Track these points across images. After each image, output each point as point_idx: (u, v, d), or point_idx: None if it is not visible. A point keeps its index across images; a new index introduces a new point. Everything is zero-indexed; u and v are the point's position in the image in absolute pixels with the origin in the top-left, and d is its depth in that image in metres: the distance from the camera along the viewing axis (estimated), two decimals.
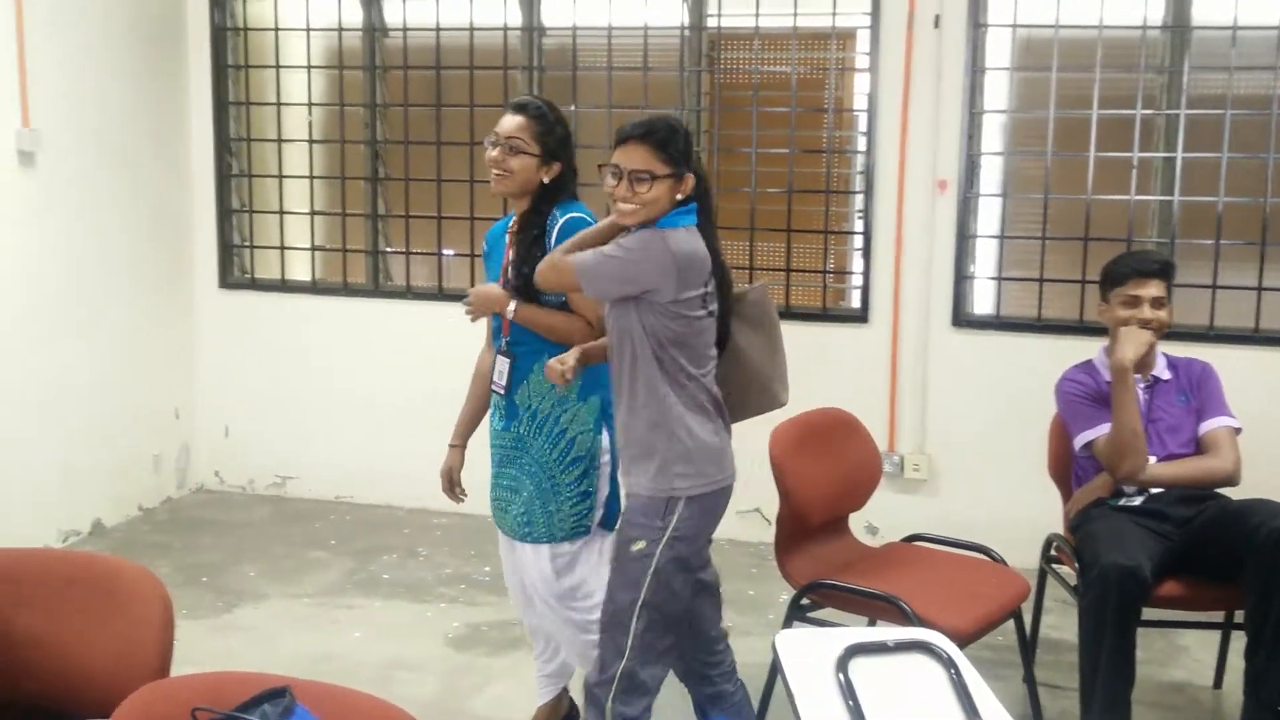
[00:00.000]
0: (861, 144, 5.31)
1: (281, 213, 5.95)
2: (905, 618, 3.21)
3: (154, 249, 5.77)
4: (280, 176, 5.93)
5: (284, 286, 5.98)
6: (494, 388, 3.37)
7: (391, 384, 5.82)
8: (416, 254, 5.84)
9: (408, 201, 5.79)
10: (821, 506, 3.68)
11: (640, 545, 2.92)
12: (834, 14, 5.26)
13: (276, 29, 5.84)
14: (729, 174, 5.51)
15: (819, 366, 5.28)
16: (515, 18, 5.59)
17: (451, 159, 5.70)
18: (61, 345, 5.21)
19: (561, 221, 3.19)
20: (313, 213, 5.95)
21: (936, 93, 5.13)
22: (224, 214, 5.99)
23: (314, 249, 5.99)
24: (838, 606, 3.54)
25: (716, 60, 5.54)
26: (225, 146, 5.96)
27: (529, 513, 3.30)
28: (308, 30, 5.82)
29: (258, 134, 5.96)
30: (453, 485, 3.59)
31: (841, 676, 2.07)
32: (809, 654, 2.16)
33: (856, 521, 4.02)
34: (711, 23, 5.42)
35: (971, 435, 5.24)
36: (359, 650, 4.27)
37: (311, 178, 5.91)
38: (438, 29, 5.65)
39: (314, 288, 5.96)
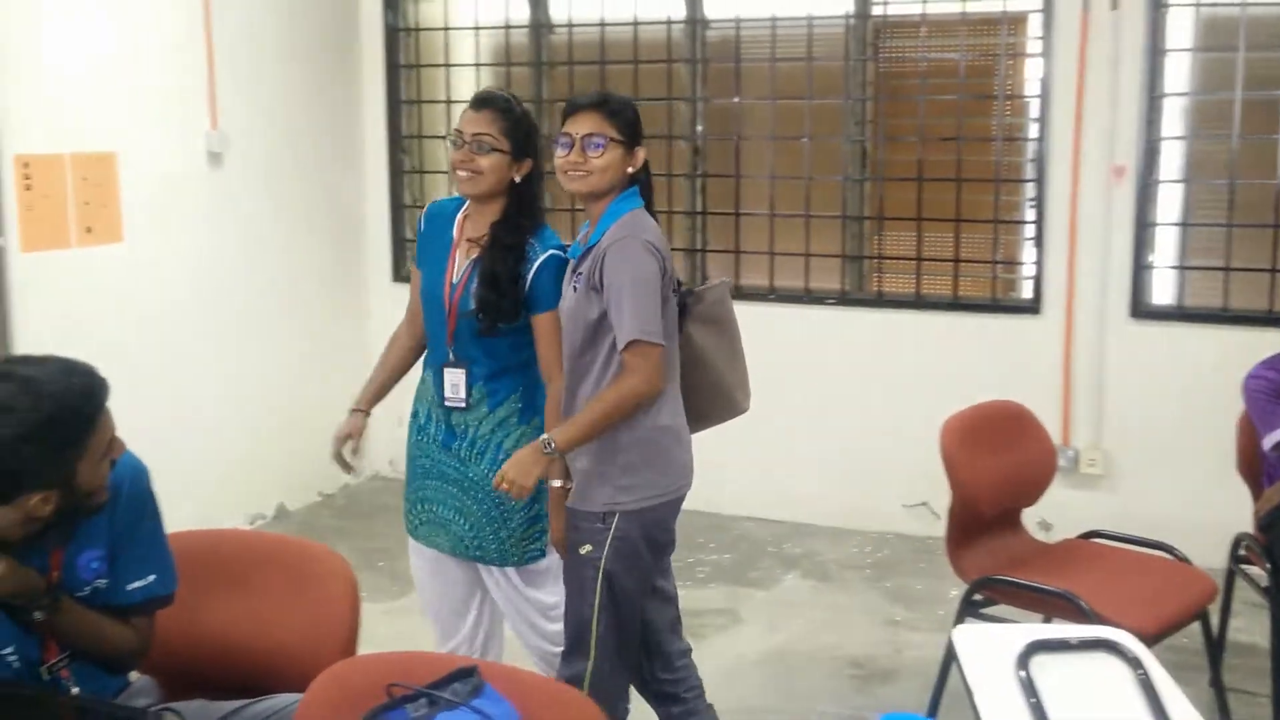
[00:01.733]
0: (1033, 130, 5.18)
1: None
2: (1083, 616, 3.13)
3: (330, 244, 5.98)
4: (449, 173, 6.06)
5: None
6: (449, 403, 3.10)
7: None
8: None
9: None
10: (993, 501, 3.61)
11: (587, 549, 2.88)
12: None
13: (446, 28, 5.99)
14: (894, 163, 5.43)
15: (988, 358, 5.19)
16: (679, 11, 5.61)
17: None
18: (246, 338, 5.44)
19: (540, 261, 2.96)
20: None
21: (1114, 76, 4.97)
22: (396, 210, 6.17)
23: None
24: (1011, 603, 3.47)
25: (881, 48, 5.47)
26: (398, 144, 6.13)
27: (478, 535, 3.13)
28: (476, 28, 5.95)
29: (429, 131, 6.12)
30: (346, 453, 3.31)
31: (1023, 673, 2.03)
32: (988, 650, 2.13)
33: (1029, 517, 3.93)
34: (877, 10, 5.36)
35: (1152, 430, 5.06)
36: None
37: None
38: (602, 24, 5.71)
39: None
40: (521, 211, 3.02)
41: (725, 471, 5.65)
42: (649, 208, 2.94)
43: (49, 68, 4.42)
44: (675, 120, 5.68)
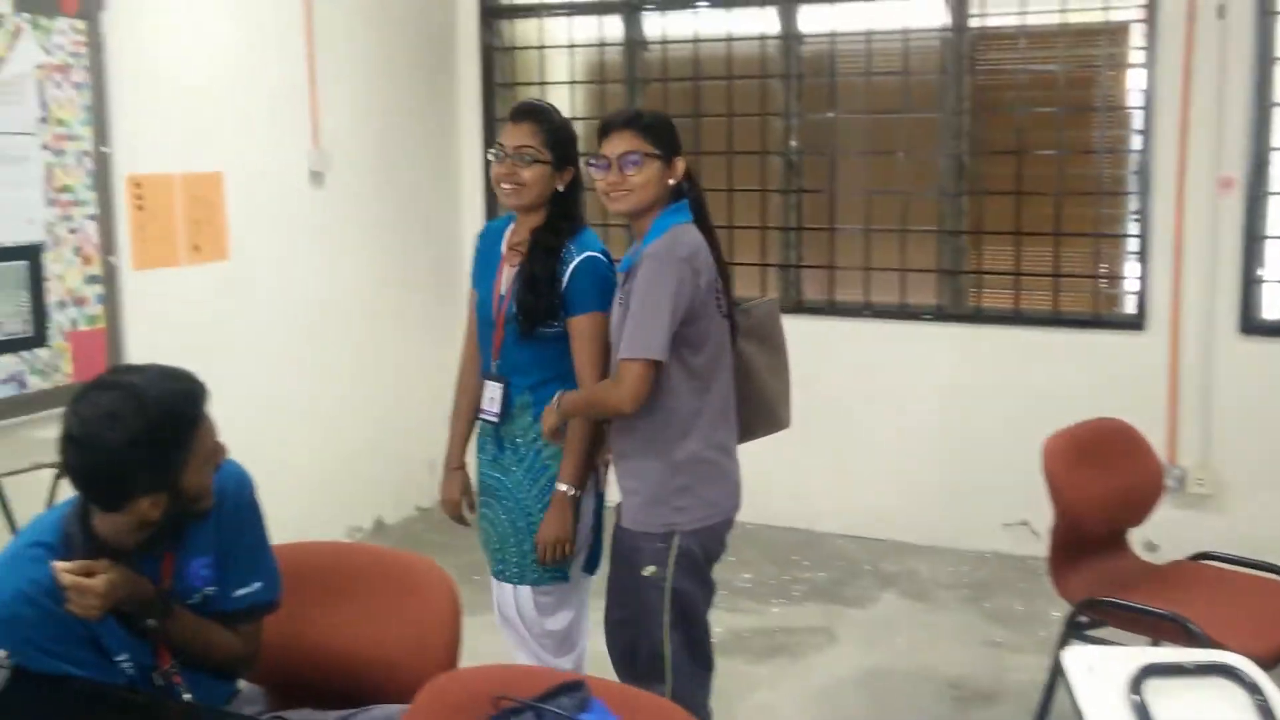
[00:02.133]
0: (1136, 143, 5.08)
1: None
2: (1194, 640, 3.04)
3: (427, 261, 6.06)
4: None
5: None
6: (483, 415, 3.13)
7: None
8: None
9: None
10: (1098, 520, 3.53)
11: (651, 570, 2.86)
12: (1106, 8, 5.05)
13: (541, 47, 6.05)
14: (991, 177, 5.36)
15: (1089, 375, 5.09)
16: (773, 26, 5.60)
17: (709, 169, 5.75)
18: (344, 353, 5.53)
19: (575, 263, 2.94)
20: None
21: (1220, 86, 4.85)
22: None
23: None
24: (1117, 625, 3.39)
25: (978, 61, 5.40)
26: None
27: (503, 549, 3.13)
28: (570, 47, 6.00)
29: None
30: (460, 513, 3.33)
31: (1136, 698, 1.98)
32: (1099, 673, 2.07)
33: (1135, 538, 3.84)
34: (974, 23, 5.29)
35: (1263, 448, 4.92)
36: None
37: None
38: (696, 40, 5.72)
39: None
40: (562, 217, 3.02)
41: (819, 488, 5.63)
42: (702, 219, 2.91)
43: (159, 92, 4.54)
44: (769, 136, 5.67)
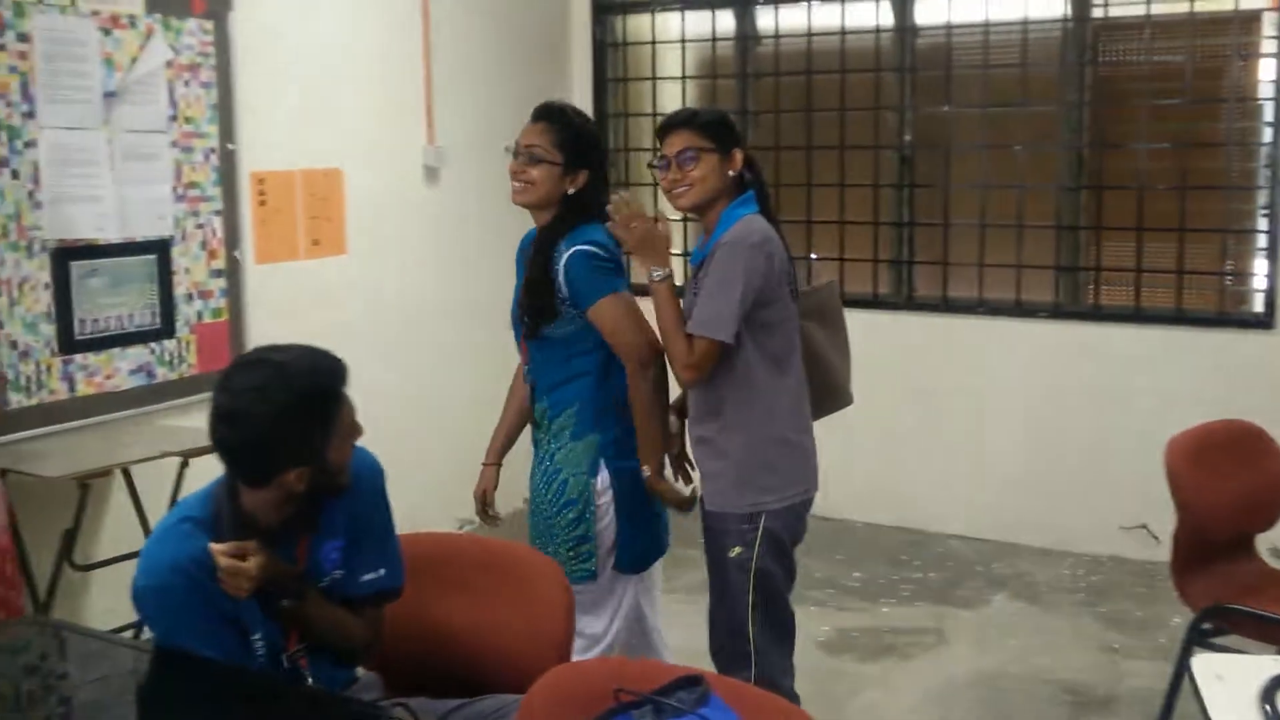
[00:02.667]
0: (1267, 135, 4.91)
1: (657, 220, 6.13)
2: None
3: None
4: (655, 185, 6.12)
5: None
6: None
7: None
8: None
9: (777, 205, 5.82)
10: (1225, 525, 3.43)
11: (737, 551, 2.89)
12: None
13: (654, 42, 6.06)
14: (1112, 171, 5.24)
15: (1216, 374, 4.94)
16: (888, 19, 5.54)
17: (822, 163, 5.71)
18: (455, 346, 5.61)
19: (564, 261, 2.93)
20: (686, 219, 6.12)
21: None
22: (601, 222, 6.24)
23: (686, 255, 6.15)
24: (1243, 633, 3.29)
25: (1100, 51, 5.27)
26: (605, 157, 6.21)
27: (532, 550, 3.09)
28: (683, 41, 6.00)
29: (635, 144, 6.19)
30: (485, 507, 3.34)
31: (1268, 708, 1.92)
32: (1229, 682, 2.02)
33: (1262, 543, 3.72)
34: (1096, 13, 5.17)
35: None
36: None
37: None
38: (809, 34, 5.68)
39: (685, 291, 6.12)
40: (563, 223, 3.00)
41: (929, 488, 5.56)
42: (766, 210, 2.94)
43: (282, 90, 4.65)
44: (882, 130, 5.60)
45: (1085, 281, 5.35)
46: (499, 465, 3.35)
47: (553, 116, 3.04)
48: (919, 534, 5.50)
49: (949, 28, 5.41)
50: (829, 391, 3.23)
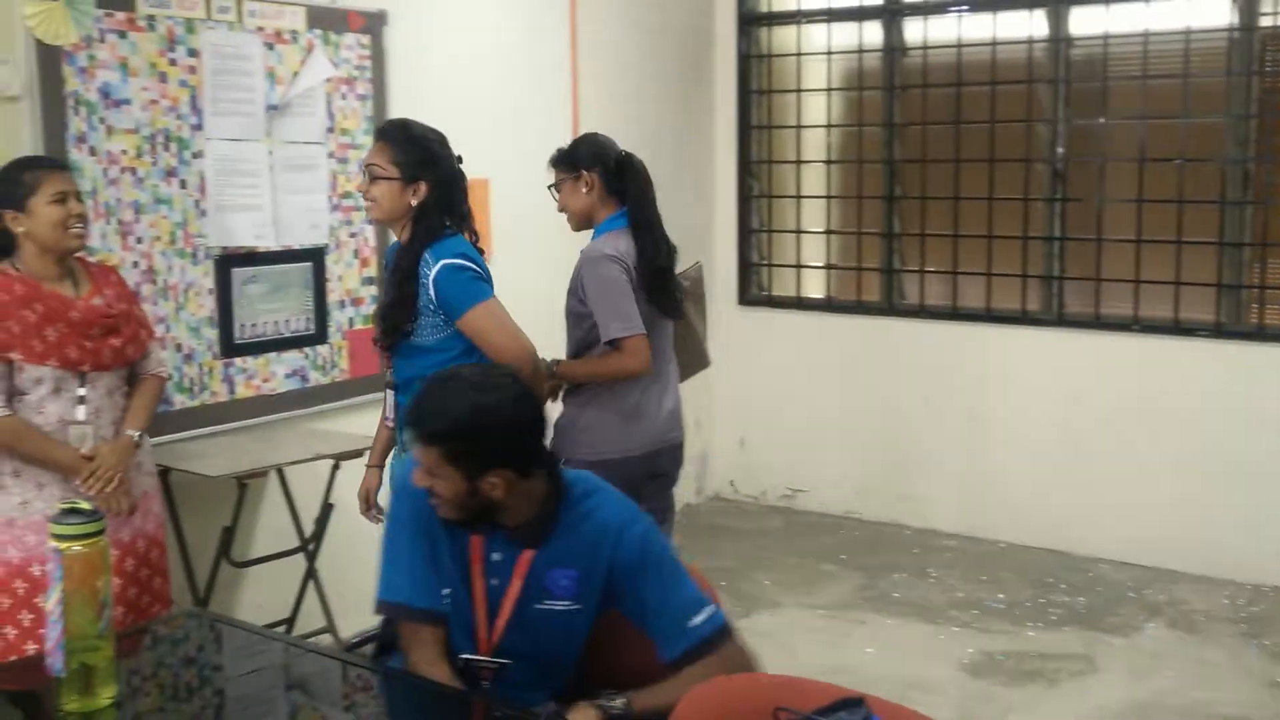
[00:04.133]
0: None
1: (799, 232, 6.11)
2: None
3: (680, 266, 6.10)
4: (799, 197, 6.10)
5: (799, 304, 6.14)
6: (386, 423, 3.31)
7: (902, 402, 5.80)
8: (931, 272, 5.79)
9: (923, 220, 5.76)
10: None
11: None
12: None
13: (799, 54, 6.02)
14: None
15: None
16: (1041, 29, 5.41)
17: (969, 176, 5.60)
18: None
19: (436, 270, 3.04)
20: (829, 231, 6.07)
21: None
22: (744, 233, 6.24)
23: (829, 267, 6.11)
24: None
25: (1269, 62, 5.07)
26: (746, 169, 6.21)
27: None
28: (828, 53, 5.95)
29: (778, 156, 6.16)
30: (369, 506, 3.43)
31: None
32: None
33: None
34: (1265, 21, 4.97)
35: None
36: (872, 666, 4.29)
37: (829, 197, 6.03)
38: (959, 45, 5.58)
39: (828, 305, 6.08)
40: (419, 235, 3.10)
41: (1079, 510, 5.40)
42: (644, 219, 3.56)
43: (433, 102, 4.71)
44: (1033, 142, 5.47)
45: (1248, 300, 5.14)
46: (382, 466, 3.43)
47: (388, 135, 3.16)
48: (1066, 556, 5.34)
49: (1106, 38, 5.26)
50: (695, 356, 3.91)
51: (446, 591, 2.32)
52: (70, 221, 3.02)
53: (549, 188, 3.67)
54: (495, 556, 2.31)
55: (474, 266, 3.11)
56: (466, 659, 2.31)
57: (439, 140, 3.21)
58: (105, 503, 3.05)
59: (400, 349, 3.16)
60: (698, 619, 2.26)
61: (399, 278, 3.10)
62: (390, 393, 3.28)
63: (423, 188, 3.10)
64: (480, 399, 2.23)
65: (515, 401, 2.26)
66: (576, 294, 3.51)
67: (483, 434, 2.20)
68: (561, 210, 3.65)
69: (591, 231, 3.64)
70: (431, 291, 3.05)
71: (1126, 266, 5.28)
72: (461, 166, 3.25)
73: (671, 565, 2.32)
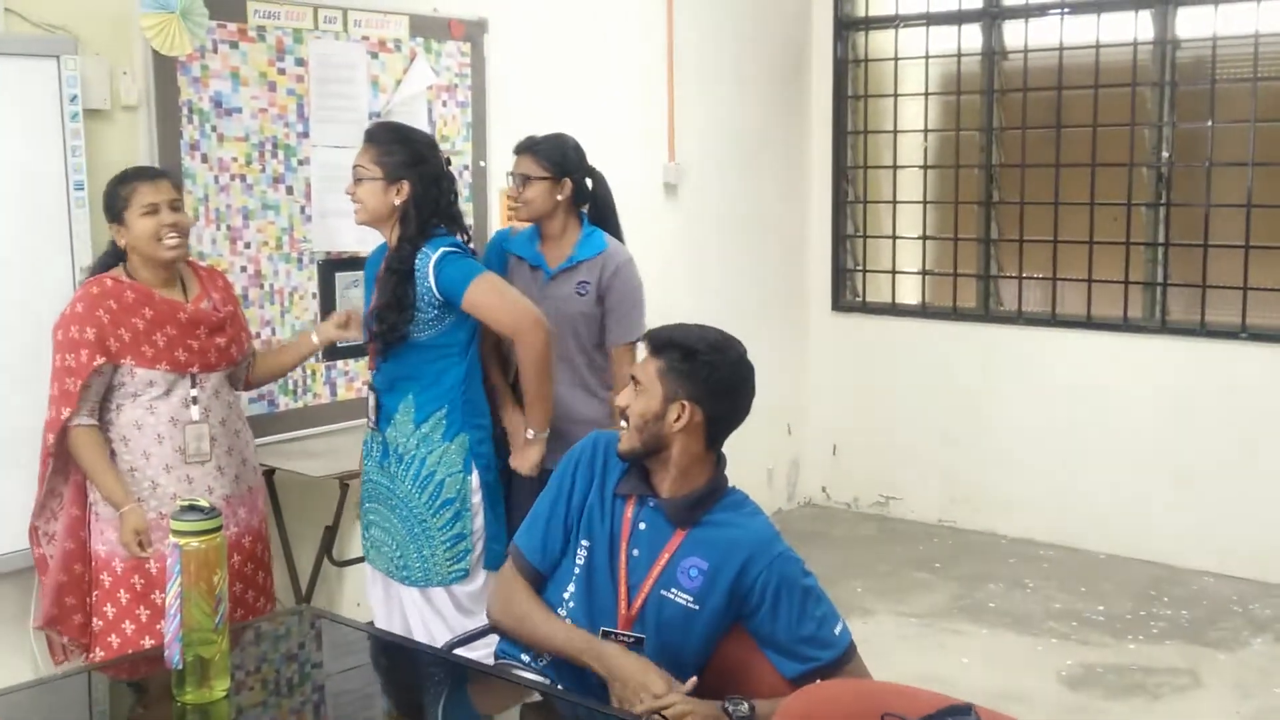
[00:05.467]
0: None
1: (894, 237, 6.07)
2: None
3: (773, 272, 6.11)
4: (894, 202, 6.06)
5: (894, 310, 6.09)
6: (369, 424, 3.28)
7: (998, 409, 5.73)
8: (1030, 278, 5.71)
9: (1022, 225, 5.68)
10: None
11: None
12: None
13: (896, 58, 5.97)
14: None
15: None
16: (1146, 32, 5.31)
17: (1070, 181, 5.52)
18: None
19: (434, 260, 3.08)
20: (924, 237, 6.02)
21: None
22: (838, 239, 6.21)
23: (924, 273, 6.05)
24: None
25: None
26: (842, 174, 6.18)
27: (404, 555, 3.19)
28: (926, 58, 5.89)
29: (874, 161, 6.13)
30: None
31: None
32: None
33: None
34: None
35: None
36: (968, 676, 4.24)
37: (925, 202, 5.98)
38: (1060, 48, 5.50)
39: (923, 311, 6.02)
40: (407, 234, 3.12)
41: (1182, 522, 5.29)
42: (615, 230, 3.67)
43: (531, 109, 4.77)
44: (1137, 147, 5.37)
45: None
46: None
47: (374, 137, 3.19)
48: (1167, 569, 5.23)
49: (1214, 39, 5.15)
50: None
51: (585, 543, 2.39)
52: (162, 232, 3.06)
53: (511, 174, 3.58)
54: (642, 526, 2.37)
55: (461, 250, 3.17)
56: (605, 629, 2.34)
57: (426, 142, 3.26)
58: None
59: (395, 352, 3.17)
60: (825, 641, 2.31)
61: (393, 278, 3.11)
62: (372, 395, 3.27)
63: (405, 187, 3.12)
64: (725, 339, 2.40)
65: (745, 373, 2.39)
66: (595, 294, 3.54)
67: (704, 366, 2.33)
68: (519, 201, 3.56)
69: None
70: (431, 281, 3.08)
71: (1234, 272, 5.16)
72: (451, 169, 3.30)
73: (804, 591, 2.34)
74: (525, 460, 3.30)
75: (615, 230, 3.68)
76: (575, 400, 3.52)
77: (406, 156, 3.15)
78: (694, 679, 2.27)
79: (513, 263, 3.62)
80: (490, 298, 3.12)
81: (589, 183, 3.63)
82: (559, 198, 3.51)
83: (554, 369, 3.28)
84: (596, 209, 3.65)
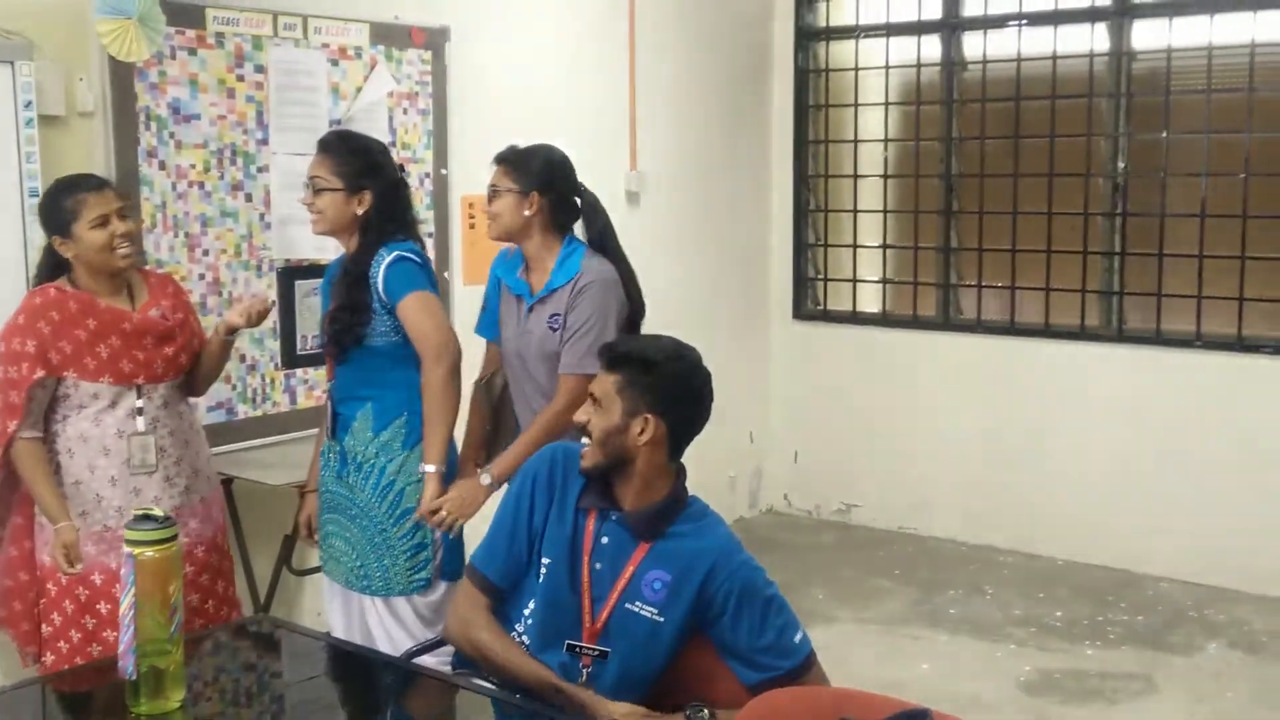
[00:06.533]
0: None
1: (855, 246, 6.10)
2: None
3: (735, 280, 6.13)
4: (855, 211, 6.09)
5: (854, 318, 6.12)
6: (326, 431, 3.24)
7: (958, 417, 5.77)
8: (989, 287, 5.75)
9: (981, 234, 5.73)
10: None
11: None
12: None
13: (856, 68, 6.01)
14: None
15: None
16: (1103, 43, 5.37)
17: (1028, 191, 5.57)
18: None
19: (387, 262, 3.05)
20: (885, 246, 6.06)
21: None
22: (799, 248, 6.24)
23: (885, 282, 6.09)
24: None
25: None
26: (803, 182, 6.21)
27: (364, 565, 3.15)
28: (886, 68, 5.94)
29: (834, 170, 6.16)
30: (311, 532, 3.38)
31: None
32: None
33: None
34: None
35: None
36: (928, 683, 4.26)
37: (885, 211, 6.02)
38: (1018, 59, 5.56)
39: (884, 320, 6.06)
40: (367, 242, 3.10)
41: (1139, 527, 5.34)
42: (612, 261, 3.27)
43: (492, 117, 4.76)
44: (1094, 157, 5.43)
45: None
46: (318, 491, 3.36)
47: (328, 147, 3.15)
48: (1125, 575, 5.28)
49: (1169, 51, 5.22)
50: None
51: (546, 560, 2.37)
52: (115, 243, 3.01)
53: (490, 186, 3.28)
54: (604, 540, 2.36)
55: (419, 260, 3.12)
56: (570, 643, 2.34)
57: (380, 149, 3.24)
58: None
59: (348, 357, 3.14)
60: (785, 650, 2.31)
61: (349, 281, 3.10)
62: (329, 404, 3.24)
63: (367, 197, 3.11)
64: (679, 346, 2.42)
65: (703, 380, 2.41)
66: (559, 322, 3.17)
67: (662, 377, 2.34)
68: (489, 214, 3.27)
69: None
70: (379, 282, 3.06)
71: (1188, 282, 5.22)
72: (404, 175, 3.27)
73: (765, 601, 2.34)
74: (424, 498, 3.10)
75: (616, 254, 3.32)
76: None
77: (364, 165, 3.13)
78: None
79: (503, 291, 3.35)
80: (419, 314, 3.07)
81: (576, 201, 3.30)
82: (526, 213, 3.18)
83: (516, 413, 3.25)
84: (593, 231, 3.31)
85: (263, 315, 3.21)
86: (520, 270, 3.28)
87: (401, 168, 3.28)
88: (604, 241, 3.28)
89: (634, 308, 3.28)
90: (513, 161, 3.24)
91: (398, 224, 3.15)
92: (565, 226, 3.27)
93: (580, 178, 5.10)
